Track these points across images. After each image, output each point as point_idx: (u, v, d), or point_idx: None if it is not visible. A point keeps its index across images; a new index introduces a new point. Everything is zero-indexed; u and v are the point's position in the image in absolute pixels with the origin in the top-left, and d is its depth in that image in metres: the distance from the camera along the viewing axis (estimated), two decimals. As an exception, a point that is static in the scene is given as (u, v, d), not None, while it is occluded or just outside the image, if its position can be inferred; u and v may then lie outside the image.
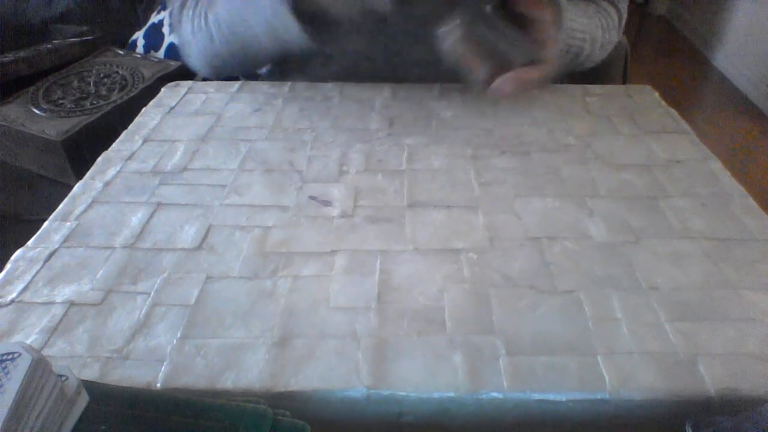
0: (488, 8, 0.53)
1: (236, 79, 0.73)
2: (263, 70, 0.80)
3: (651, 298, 0.39)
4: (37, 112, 0.90)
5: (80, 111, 0.91)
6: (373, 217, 0.46)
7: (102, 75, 1.01)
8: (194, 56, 0.70)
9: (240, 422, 0.28)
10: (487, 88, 0.55)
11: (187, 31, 0.67)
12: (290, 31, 0.58)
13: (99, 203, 0.48)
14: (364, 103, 0.64)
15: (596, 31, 0.67)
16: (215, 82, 0.69)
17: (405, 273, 0.41)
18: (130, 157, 0.54)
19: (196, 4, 0.67)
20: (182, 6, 0.68)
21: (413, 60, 0.67)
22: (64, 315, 0.37)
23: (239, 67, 0.69)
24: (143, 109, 0.63)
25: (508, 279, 0.40)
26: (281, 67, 0.76)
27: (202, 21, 0.65)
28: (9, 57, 1.00)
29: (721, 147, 2.02)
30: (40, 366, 0.26)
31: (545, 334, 0.36)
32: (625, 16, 0.73)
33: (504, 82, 0.53)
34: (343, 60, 0.69)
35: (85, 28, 1.14)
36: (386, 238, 0.44)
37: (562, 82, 0.75)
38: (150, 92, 0.71)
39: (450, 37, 0.54)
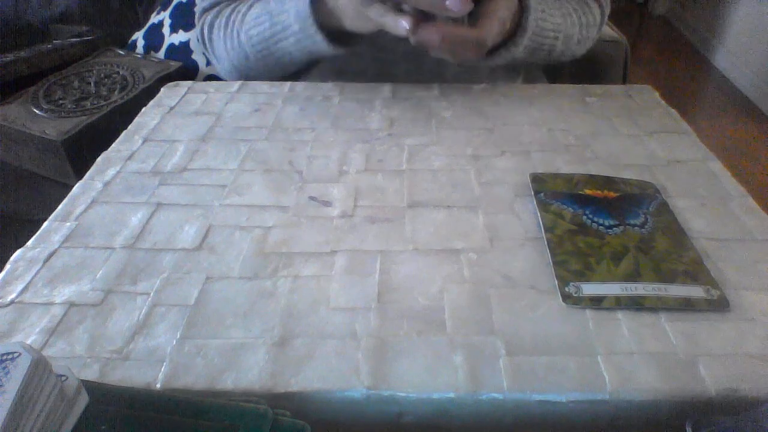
0: None
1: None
2: None
3: (651, 298, 0.39)
4: (38, 112, 0.90)
5: (80, 111, 0.91)
6: (373, 217, 0.46)
7: (102, 75, 1.01)
8: (228, 70, 0.74)
9: (240, 422, 0.28)
10: (413, 38, 0.53)
11: (220, 49, 0.71)
12: (318, 45, 0.62)
13: (99, 203, 0.48)
14: (364, 103, 0.64)
15: (572, 28, 0.68)
16: (215, 82, 0.69)
17: (405, 273, 0.41)
18: (130, 157, 0.54)
19: (226, 24, 0.70)
20: (211, 27, 0.72)
21: (401, 55, 0.67)
22: (63, 315, 0.37)
23: (270, 75, 0.73)
24: (143, 109, 0.63)
25: (508, 279, 0.40)
26: None
27: (235, 41, 0.68)
28: (9, 57, 1.00)
29: (721, 147, 2.02)
30: (40, 366, 0.26)
31: (545, 334, 0.36)
32: (607, 10, 0.73)
33: (430, 31, 0.53)
34: (332, 57, 0.70)
35: (85, 28, 1.14)
36: (386, 238, 0.44)
37: (531, 75, 0.76)
38: (150, 92, 0.71)
39: None
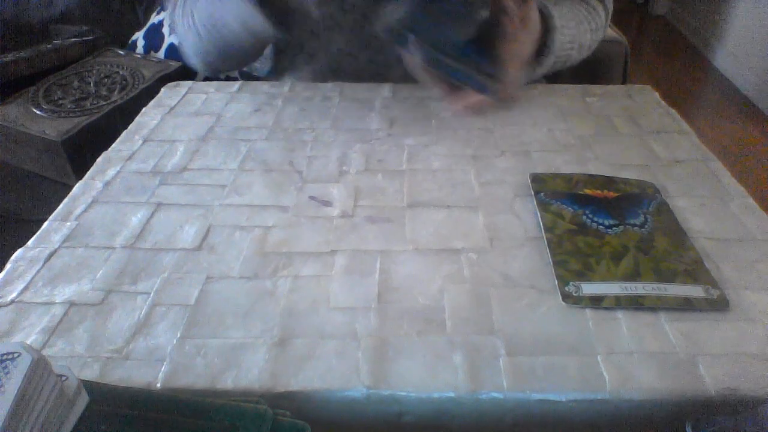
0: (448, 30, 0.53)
1: (236, 79, 0.73)
2: (264, 71, 0.81)
3: (651, 298, 0.39)
4: (38, 112, 0.90)
5: (80, 111, 0.91)
6: (373, 217, 0.46)
7: (102, 75, 1.01)
8: (189, 54, 0.73)
9: (240, 422, 0.28)
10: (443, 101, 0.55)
11: (180, 30, 0.70)
12: (257, 21, 0.60)
13: (99, 203, 0.48)
14: (364, 103, 0.64)
15: (584, 36, 0.68)
16: (215, 82, 0.69)
17: (405, 273, 0.41)
18: (130, 157, 0.54)
19: (185, 3, 0.69)
20: (174, 6, 0.71)
21: (395, 57, 0.67)
22: (64, 315, 0.37)
23: (230, 62, 0.72)
24: (143, 109, 0.63)
25: (508, 279, 0.40)
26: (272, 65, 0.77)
27: (190, 20, 0.68)
28: (9, 57, 1.00)
29: (721, 147, 2.02)
30: (40, 366, 0.26)
31: (545, 334, 0.36)
32: (611, 10, 0.73)
33: (455, 102, 0.54)
34: (327, 57, 0.70)
35: (85, 28, 1.14)
36: (386, 238, 0.44)
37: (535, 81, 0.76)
38: (150, 92, 0.72)
39: (408, 58, 0.54)
